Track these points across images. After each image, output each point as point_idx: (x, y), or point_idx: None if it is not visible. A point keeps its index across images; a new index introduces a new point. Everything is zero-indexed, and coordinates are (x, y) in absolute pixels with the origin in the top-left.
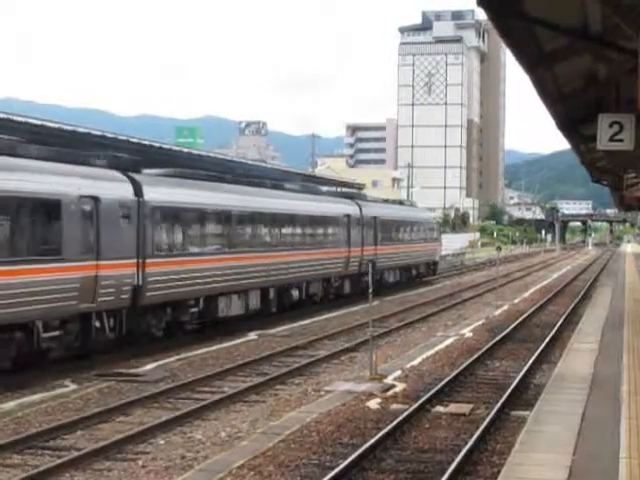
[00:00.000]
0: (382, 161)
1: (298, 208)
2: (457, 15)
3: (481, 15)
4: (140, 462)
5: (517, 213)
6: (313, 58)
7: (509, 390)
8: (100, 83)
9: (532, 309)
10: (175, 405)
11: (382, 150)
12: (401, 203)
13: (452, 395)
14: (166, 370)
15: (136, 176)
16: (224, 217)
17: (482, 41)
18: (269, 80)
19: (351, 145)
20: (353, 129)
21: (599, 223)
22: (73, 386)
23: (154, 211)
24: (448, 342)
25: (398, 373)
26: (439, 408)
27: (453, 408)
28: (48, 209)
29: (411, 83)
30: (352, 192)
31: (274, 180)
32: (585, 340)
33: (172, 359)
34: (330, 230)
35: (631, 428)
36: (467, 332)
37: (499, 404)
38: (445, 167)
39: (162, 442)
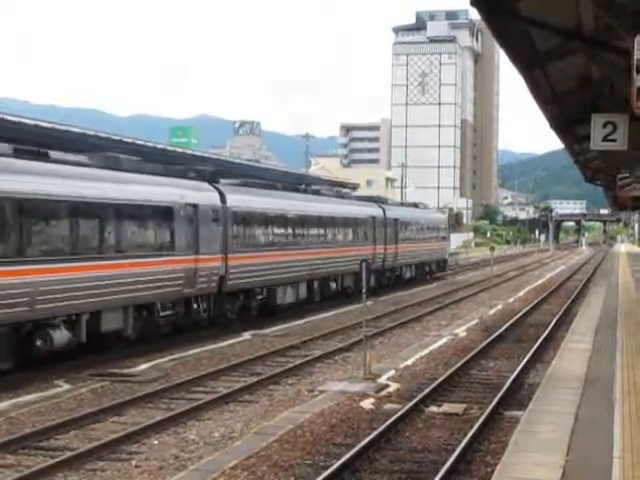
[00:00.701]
0: (376, 161)
1: (335, 211)
2: (451, 15)
3: (475, 15)
4: (134, 462)
5: (511, 213)
6: (307, 58)
7: (503, 390)
8: (95, 83)
9: (526, 308)
10: (169, 405)
11: (376, 150)
12: (415, 206)
13: (446, 395)
14: (160, 370)
15: (220, 186)
16: (281, 219)
17: (476, 41)
18: (263, 80)
19: (345, 145)
20: (347, 129)
21: (593, 223)
22: (67, 386)
23: (234, 215)
24: (442, 342)
25: (392, 373)
26: (433, 408)
27: (447, 408)
28: (164, 214)
29: (405, 83)
30: (376, 196)
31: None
32: (579, 339)
33: (166, 359)
34: (360, 230)
35: (625, 428)
36: (461, 332)
37: (493, 404)
38: (439, 167)
39: (156, 442)
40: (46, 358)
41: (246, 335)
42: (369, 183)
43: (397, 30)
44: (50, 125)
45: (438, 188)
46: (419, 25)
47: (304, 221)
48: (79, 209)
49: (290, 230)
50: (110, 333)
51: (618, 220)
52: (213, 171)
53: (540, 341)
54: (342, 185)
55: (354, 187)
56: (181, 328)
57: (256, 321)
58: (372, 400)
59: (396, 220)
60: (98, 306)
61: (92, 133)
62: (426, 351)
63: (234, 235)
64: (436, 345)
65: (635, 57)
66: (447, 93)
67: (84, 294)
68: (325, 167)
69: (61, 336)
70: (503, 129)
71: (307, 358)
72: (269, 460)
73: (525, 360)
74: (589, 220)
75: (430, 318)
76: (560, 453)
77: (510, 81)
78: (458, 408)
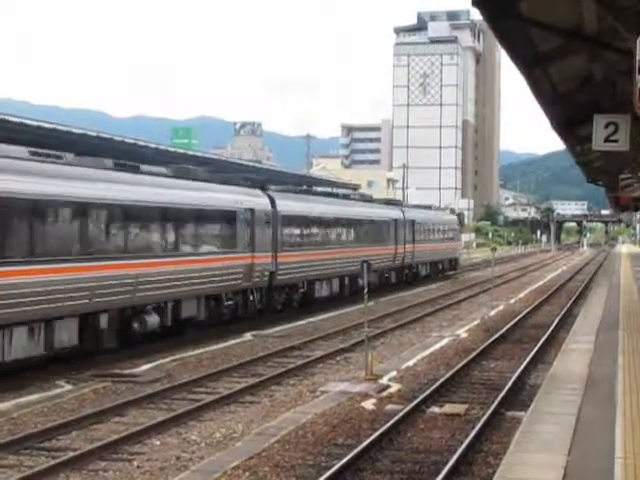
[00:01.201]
0: (377, 162)
1: (363, 214)
2: (452, 15)
3: (476, 15)
4: (135, 463)
5: (512, 214)
6: (308, 59)
7: (504, 390)
8: (95, 85)
9: (527, 309)
10: (170, 406)
11: (377, 151)
12: (429, 208)
13: (447, 395)
14: (161, 371)
15: (270, 192)
16: (319, 221)
17: (477, 41)
18: (264, 81)
19: (346, 146)
20: (348, 130)
21: (594, 224)
22: (69, 387)
23: (282, 218)
24: (443, 342)
25: (393, 374)
26: (434, 409)
27: (448, 408)
28: (229, 218)
29: (406, 84)
30: (396, 200)
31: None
32: (580, 340)
33: (167, 360)
34: (384, 231)
35: (626, 428)
36: (462, 332)
37: (494, 404)
38: (440, 168)
39: (157, 443)
40: (139, 340)
41: (247, 336)
42: (370, 184)
43: (398, 31)
44: (51, 126)
45: (439, 189)
46: (420, 25)
47: (337, 223)
48: (165, 214)
49: (326, 231)
50: (187, 319)
51: (620, 221)
52: (264, 179)
53: (541, 342)
54: (343, 186)
55: (355, 188)
56: (238, 316)
57: (260, 321)
58: (374, 401)
59: (413, 222)
60: (179, 296)
61: (93, 134)
62: (427, 352)
63: (282, 236)
64: (437, 346)
65: (637, 58)
66: (448, 94)
67: (170, 285)
68: (326, 168)
69: (153, 320)
70: (505, 129)
71: (309, 359)
72: (271, 461)
73: (526, 361)
74: (590, 221)
75: (431, 319)
76: (562, 454)
77: (512, 81)
78: (460, 409)
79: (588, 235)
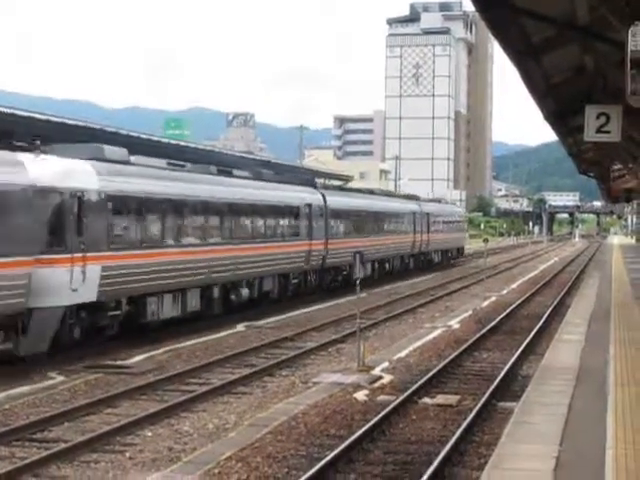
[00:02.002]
0: (370, 153)
1: (389, 207)
2: (445, 6)
3: (469, 6)
4: (127, 454)
5: (504, 205)
6: (301, 50)
7: (496, 381)
8: (88, 75)
9: (519, 300)
10: (162, 397)
11: (370, 142)
12: (439, 201)
13: (439, 386)
14: (154, 362)
15: (321, 190)
16: (356, 214)
17: (470, 33)
18: (256, 72)
19: (339, 137)
20: (341, 121)
21: (586, 215)
22: (60, 378)
23: (331, 211)
24: (436, 334)
25: (386, 365)
26: (426, 399)
27: (440, 399)
28: (295, 212)
29: (399, 75)
30: (414, 195)
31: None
32: (572, 331)
33: (160, 351)
34: (405, 222)
35: (617, 419)
36: (455, 324)
37: (486, 395)
38: (432, 159)
39: (149, 434)
40: (234, 309)
41: (240, 327)
42: (363, 175)
43: (391, 22)
44: (45, 117)
45: (432, 180)
46: (413, 17)
47: (371, 215)
48: (253, 209)
49: (363, 222)
50: (266, 292)
51: (611, 212)
52: (312, 178)
53: (533, 333)
54: (336, 177)
55: (347, 179)
56: (300, 292)
57: (248, 311)
58: (366, 392)
59: (428, 214)
60: (262, 274)
61: (86, 125)
62: (420, 343)
63: (331, 226)
64: (430, 337)
65: (629, 49)
66: (441, 85)
67: (257, 265)
68: (319, 159)
69: (245, 293)
70: (497, 121)
71: (301, 350)
72: (263, 451)
73: (518, 352)
74: (582, 212)
75: (424, 310)
76: (553, 444)
77: (504, 73)
78: (452, 399)
79: (580, 226)
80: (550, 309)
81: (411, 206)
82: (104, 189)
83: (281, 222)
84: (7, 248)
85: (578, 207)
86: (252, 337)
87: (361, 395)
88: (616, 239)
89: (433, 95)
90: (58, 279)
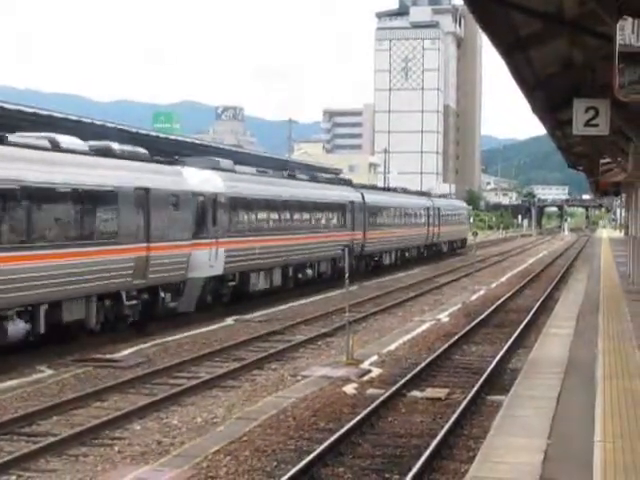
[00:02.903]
0: (359, 146)
1: (410, 203)
2: (434, 0)
3: (458, 0)
4: (116, 447)
5: (494, 198)
6: (290, 43)
7: (485, 375)
8: (76, 68)
9: (509, 294)
10: (151, 390)
11: (359, 135)
12: (445, 197)
13: (428, 380)
14: (142, 355)
15: (360, 189)
16: (386, 209)
17: (459, 26)
18: (246, 65)
19: (328, 130)
20: (330, 114)
21: (575, 208)
22: (49, 371)
23: (369, 207)
24: (425, 327)
25: (375, 358)
26: (415, 393)
27: (429, 393)
28: (341, 207)
29: (388, 68)
30: (427, 191)
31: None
32: (561, 325)
33: (148, 344)
34: (422, 216)
35: (606, 412)
36: (444, 317)
37: (475, 389)
38: (422, 152)
39: (138, 427)
40: (301, 284)
41: (229, 320)
42: (352, 168)
43: (380, 15)
44: (32, 110)
45: (421, 173)
46: (402, 10)
47: (398, 210)
48: (314, 205)
49: (392, 216)
50: (321, 274)
51: (600, 206)
52: (350, 180)
53: (522, 326)
54: (325, 171)
55: (336, 172)
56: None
57: (236, 305)
58: (355, 385)
59: (439, 209)
60: (320, 258)
61: (75, 118)
62: (409, 336)
63: (369, 219)
64: (419, 330)
65: (617, 43)
66: (430, 78)
67: (317, 250)
68: (308, 152)
69: (309, 272)
70: (486, 114)
71: (290, 343)
72: (252, 445)
73: (507, 345)
74: (571, 206)
75: (413, 303)
76: (542, 437)
77: (493, 67)
78: (441, 393)
79: (569, 220)
80: (539, 302)
81: (425, 202)
82: (227, 192)
83: (331, 216)
84: (179, 235)
85: (567, 200)
86: (241, 331)
87: (350, 388)
88: (605, 232)
89: (422, 89)
90: (203, 258)
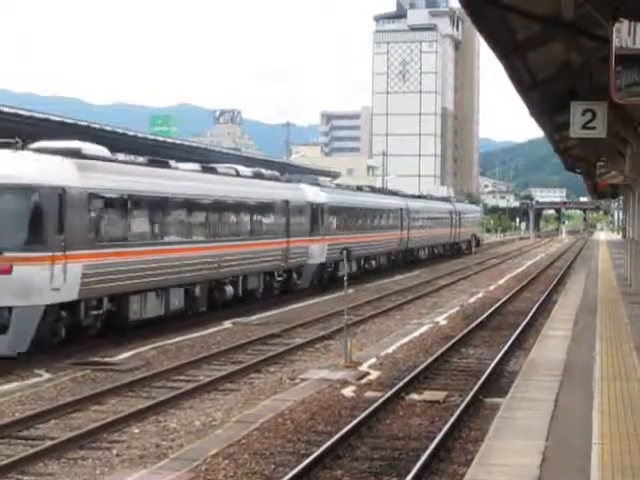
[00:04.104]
0: (357, 149)
1: (439, 207)
2: (431, 3)
3: (455, 3)
4: (115, 451)
5: (491, 201)
6: (287, 46)
7: (483, 377)
8: (74, 72)
9: (506, 296)
10: (150, 394)
11: (357, 138)
12: (463, 202)
13: (426, 382)
14: (141, 359)
15: (404, 197)
16: (424, 213)
17: (456, 29)
18: (243, 68)
19: (326, 133)
20: (328, 117)
21: (573, 211)
22: (47, 375)
23: (410, 211)
24: (423, 330)
25: (373, 361)
26: (413, 395)
27: (427, 395)
28: (394, 213)
29: (386, 71)
30: (449, 197)
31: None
32: (558, 327)
33: (147, 347)
34: (447, 218)
35: (603, 414)
36: (442, 320)
37: (473, 391)
38: (420, 155)
39: (137, 431)
40: (369, 273)
41: (227, 324)
42: (350, 171)
43: (378, 18)
44: (29, 113)
45: (419, 176)
46: (400, 13)
47: (432, 214)
48: (380, 213)
49: (425, 219)
50: (378, 265)
51: (598, 208)
52: (397, 190)
53: (520, 329)
54: (323, 174)
55: (335, 175)
56: (395, 265)
57: (234, 309)
58: (353, 388)
59: (459, 212)
60: (374, 252)
61: (76, 122)
62: (407, 339)
63: (410, 221)
64: (417, 333)
65: (614, 45)
66: (428, 81)
67: (374, 246)
68: (306, 155)
69: (374, 263)
70: (484, 117)
71: (288, 346)
72: (250, 448)
73: (505, 348)
74: (569, 208)
75: (411, 306)
76: (540, 439)
77: (491, 69)
78: (439, 395)
79: (567, 222)
80: (537, 305)
81: (449, 206)
82: (327, 201)
83: (387, 219)
84: (302, 233)
85: (565, 203)
86: (239, 334)
87: (348, 391)
88: (603, 235)
89: (420, 91)
90: (316, 249)
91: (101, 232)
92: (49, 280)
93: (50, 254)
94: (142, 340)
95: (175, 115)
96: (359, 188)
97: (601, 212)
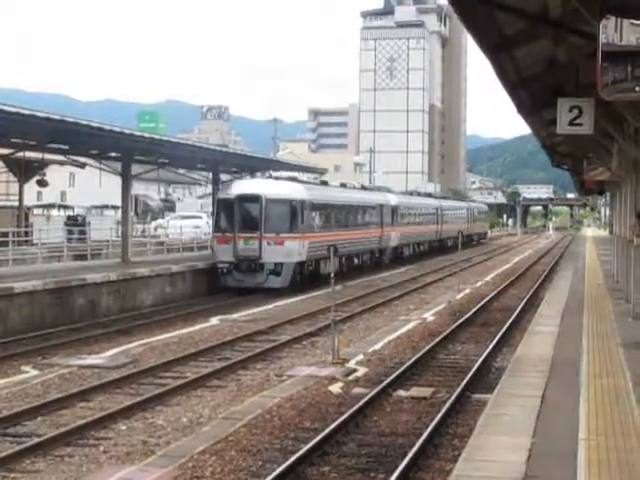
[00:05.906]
0: (344, 146)
1: (456, 206)
2: None
3: (442, 0)
4: (101, 448)
5: (479, 197)
6: (275, 43)
7: (470, 373)
8: (60, 68)
9: (494, 293)
10: (137, 390)
11: (344, 135)
12: (473, 201)
13: (414, 379)
14: (128, 356)
15: (438, 199)
16: (446, 211)
17: (444, 26)
18: (231, 65)
19: (313, 130)
20: (315, 114)
21: (560, 207)
22: (34, 372)
23: (443, 208)
24: (410, 326)
25: (360, 357)
26: (401, 392)
27: (415, 392)
28: (433, 211)
29: (373, 68)
30: (464, 196)
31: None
32: (545, 323)
33: (134, 344)
34: (462, 215)
35: (590, 410)
36: (429, 316)
37: (460, 387)
38: (407, 152)
39: (124, 428)
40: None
41: (214, 320)
42: (337, 168)
43: (365, 15)
44: (15, 110)
45: (406, 173)
46: (387, 10)
47: (450, 212)
48: (415, 211)
49: (450, 216)
50: (416, 253)
51: (585, 204)
52: (430, 192)
53: (507, 325)
54: (310, 170)
55: (322, 172)
56: (432, 251)
57: (226, 306)
58: (340, 384)
59: (472, 209)
60: (419, 240)
61: (58, 117)
62: (394, 335)
63: (442, 217)
64: (404, 329)
65: (600, 42)
66: (415, 78)
67: (419, 236)
68: (293, 152)
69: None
70: (471, 114)
71: (275, 343)
72: (237, 445)
73: (492, 344)
74: (556, 204)
75: (398, 302)
76: (526, 435)
77: (478, 66)
78: (426, 392)
79: (554, 219)
80: (524, 301)
81: (464, 204)
82: (397, 203)
83: (427, 215)
84: (377, 225)
85: (552, 199)
86: (226, 330)
87: (336, 388)
88: (590, 231)
89: (407, 88)
90: (391, 237)
91: (316, 223)
92: (298, 249)
93: (300, 235)
94: (129, 337)
95: (163, 111)
96: (342, 185)
97: (588, 209)
